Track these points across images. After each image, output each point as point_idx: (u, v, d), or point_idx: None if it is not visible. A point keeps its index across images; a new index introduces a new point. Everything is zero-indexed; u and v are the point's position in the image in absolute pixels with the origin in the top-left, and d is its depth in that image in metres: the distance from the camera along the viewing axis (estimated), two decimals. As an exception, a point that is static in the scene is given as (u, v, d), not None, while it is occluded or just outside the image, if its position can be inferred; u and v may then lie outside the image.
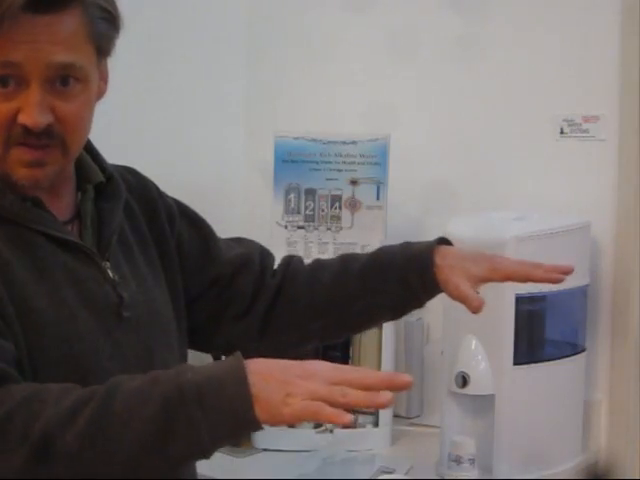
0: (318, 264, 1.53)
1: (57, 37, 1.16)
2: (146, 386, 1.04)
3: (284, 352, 1.69)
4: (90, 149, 1.33)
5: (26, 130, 1.17)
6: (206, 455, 1.05)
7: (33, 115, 1.16)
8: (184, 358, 1.42)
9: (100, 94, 1.28)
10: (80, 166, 1.31)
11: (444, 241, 1.45)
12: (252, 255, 1.52)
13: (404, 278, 1.42)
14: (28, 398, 1.05)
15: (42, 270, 1.20)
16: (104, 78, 1.28)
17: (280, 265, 1.54)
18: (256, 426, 1.02)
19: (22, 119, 1.17)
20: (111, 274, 1.27)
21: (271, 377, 1.02)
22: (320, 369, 1.03)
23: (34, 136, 1.18)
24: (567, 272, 1.39)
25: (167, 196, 1.47)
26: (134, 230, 1.36)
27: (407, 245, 1.47)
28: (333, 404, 1.00)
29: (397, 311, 1.51)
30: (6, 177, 1.21)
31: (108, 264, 1.27)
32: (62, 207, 1.28)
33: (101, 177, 1.32)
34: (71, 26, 1.18)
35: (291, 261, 1.54)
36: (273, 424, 1.03)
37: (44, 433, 1.02)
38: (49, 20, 1.15)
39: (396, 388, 1.04)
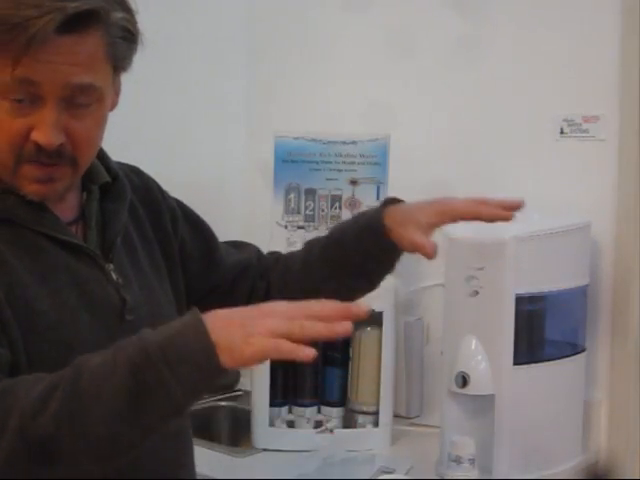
0: (289, 255, 1.55)
1: (78, 58, 1.16)
2: (109, 357, 1.04)
3: None
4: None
5: (38, 148, 1.17)
6: (181, 411, 1.05)
7: (47, 134, 1.16)
8: None
9: (112, 106, 1.28)
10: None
11: (392, 201, 1.45)
12: (251, 260, 1.52)
13: (362, 249, 1.43)
14: (1, 393, 1.05)
15: (45, 272, 1.20)
16: (117, 91, 1.29)
17: (266, 266, 1.55)
18: (222, 372, 1.03)
19: (36, 137, 1.17)
20: (114, 276, 1.27)
21: (230, 323, 1.03)
22: (277, 307, 1.05)
23: (45, 155, 1.18)
24: (516, 207, 1.37)
25: (170, 197, 1.46)
26: (138, 231, 1.36)
27: (357, 216, 1.49)
28: (293, 339, 1.02)
29: (369, 281, 1.50)
30: (14, 188, 1.21)
31: (112, 266, 1.27)
32: (66, 208, 1.27)
33: (106, 177, 1.32)
34: (92, 47, 1.17)
35: (270, 258, 1.56)
36: (239, 366, 1.04)
37: (19, 424, 1.02)
38: (72, 41, 1.15)
39: (353, 318, 1.06)
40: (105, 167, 1.33)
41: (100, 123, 1.24)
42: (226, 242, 1.55)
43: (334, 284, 1.46)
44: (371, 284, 1.53)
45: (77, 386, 1.03)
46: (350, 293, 1.50)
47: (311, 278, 1.48)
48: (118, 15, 1.20)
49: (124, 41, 1.21)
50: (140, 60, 2.15)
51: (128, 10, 1.22)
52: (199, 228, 1.49)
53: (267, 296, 1.50)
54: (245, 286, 1.50)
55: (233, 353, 1.02)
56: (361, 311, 1.06)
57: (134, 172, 1.42)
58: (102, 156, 1.33)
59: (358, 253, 1.43)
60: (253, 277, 1.51)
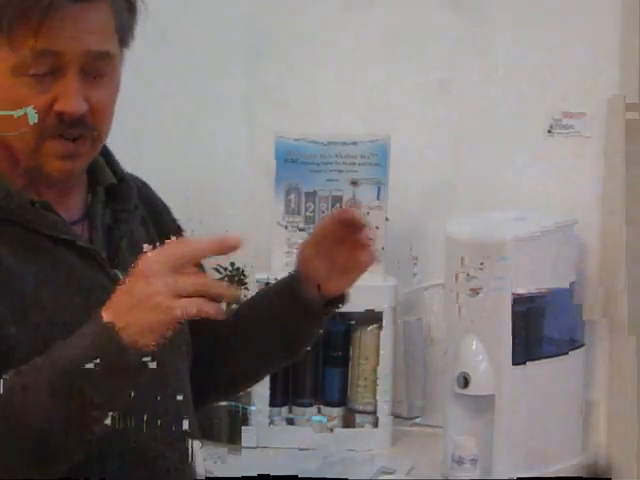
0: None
1: (93, 26, 1.18)
2: (33, 376, 1.07)
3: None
4: (104, 150, 1.33)
5: (61, 119, 1.17)
6: (113, 408, 1.08)
7: (71, 102, 1.17)
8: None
9: None
10: (92, 167, 1.30)
11: None
12: None
13: (277, 305, 1.41)
14: None
15: (48, 273, 1.20)
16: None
17: None
18: (134, 350, 1.04)
19: (60, 107, 1.17)
20: (118, 278, 1.24)
21: (126, 304, 1.06)
22: (154, 267, 1.06)
23: (69, 125, 1.18)
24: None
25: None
26: (145, 234, 1.35)
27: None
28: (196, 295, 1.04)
29: (288, 346, 1.46)
30: (34, 171, 1.21)
31: (117, 271, 1.26)
32: (71, 207, 1.27)
33: (112, 179, 1.31)
34: (104, 15, 1.19)
35: None
36: (150, 339, 1.05)
37: None
38: (85, 8, 1.16)
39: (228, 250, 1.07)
40: (112, 169, 1.32)
41: (115, 95, 1.25)
42: None
43: (253, 348, 1.44)
44: (292, 351, 1.47)
45: (9, 403, 1.06)
46: (268, 358, 1.48)
47: (236, 340, 1.45)
48: None
49: (128, 12, 1.23)
50: (140, 61, 2.14)
51: None
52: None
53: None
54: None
55: (143, 331, 1.04)
56: (235, 242, 1.07)
57: (143, 184, 1.42)
58: (109, 158, 1.33)
59: (272, 309, 1.41)
60: None
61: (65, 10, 1.14)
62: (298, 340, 1.45)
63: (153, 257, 1.07)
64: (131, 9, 1.24)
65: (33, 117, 1.17)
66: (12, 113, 1.17)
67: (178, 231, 1.43)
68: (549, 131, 2.12)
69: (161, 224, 1.40)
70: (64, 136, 1.19)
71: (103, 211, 1.30)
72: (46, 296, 1.18)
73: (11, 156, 1.21)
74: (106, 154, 1.32)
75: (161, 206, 1.44)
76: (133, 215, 1.33)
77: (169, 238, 1.38)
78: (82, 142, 1.20)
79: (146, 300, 1.04)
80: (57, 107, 1.17)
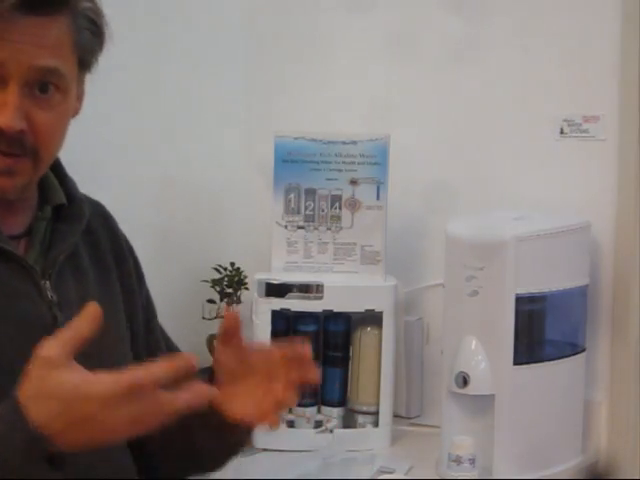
0: None
1: (43, 40, 1.13)
2: None
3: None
4: (58, 170, 1.29)
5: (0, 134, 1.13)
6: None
7: (8, 117, 1.12)
8: None
9: (75, 112, 1.24)
10: (43, 186, 1.26)
11: None
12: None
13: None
14: None
15: None
16: (80, 97, 1.24)
17: None
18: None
19: None
20: (49, 294, 1.21)
21: (69, 422, 0.99)
22: (109, 391, 0.99)
23: (5, 142, 1.13)
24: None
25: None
26: (94, 256, 1.32)
27: None
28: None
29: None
30: None
31: (48, 283, 1.22)
32: (16, 222, 1.23)
33: (62, 199, 1.28)
34: (58, 32, 1.14)
35: None
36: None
37: None
38: (37, 22, 1.12)
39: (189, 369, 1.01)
40: (65, 190, 1.29)
41: (64, 117, 1.20)
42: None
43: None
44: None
45: None
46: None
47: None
48: (85, 4, 1.18)
49: (91, 34, 1.19)
50: (139, 61, 2.15)
51: (94, 2, 1.20)
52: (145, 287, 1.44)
53: None
54: None
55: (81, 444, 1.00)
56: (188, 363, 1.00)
57: (103, 210, 1.39)
58: (63, 178, 1.30)
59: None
60: None
61: (14, 21, 1.10)
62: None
63: (108, 385, 0.99)
64: (95, 32, 1.19)
65: None
66: None
67: (137, 271, 1.39)
68: (561, 132, 2.12)
69: (122, 261, 1.36)
70: (2, 151, 1.14)
71: (49, 229, 1.25)
72: None
73: None
74: (60, 174, 1.29)
75: (123, 240, 1.39)
76: (75, 235, 1.27)
77: (129, 276, 1.35)
78: (21, 160, 1.16)
79: (100, 423, 0.98)
80: None
